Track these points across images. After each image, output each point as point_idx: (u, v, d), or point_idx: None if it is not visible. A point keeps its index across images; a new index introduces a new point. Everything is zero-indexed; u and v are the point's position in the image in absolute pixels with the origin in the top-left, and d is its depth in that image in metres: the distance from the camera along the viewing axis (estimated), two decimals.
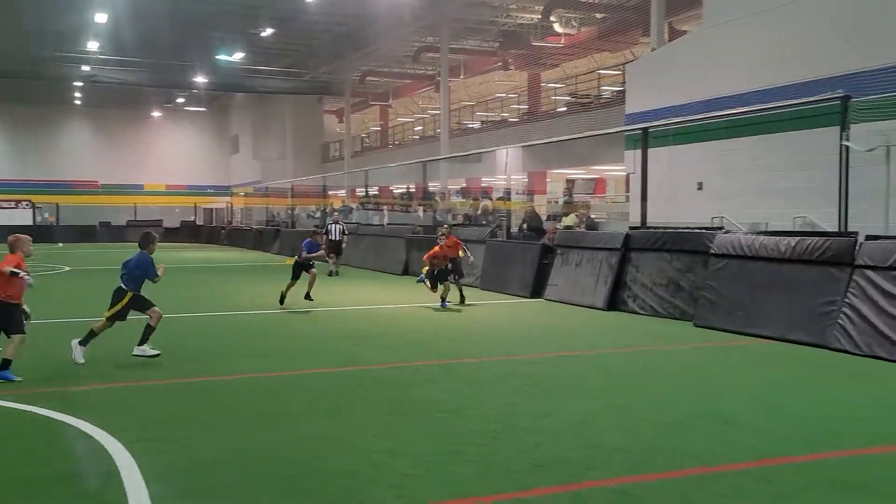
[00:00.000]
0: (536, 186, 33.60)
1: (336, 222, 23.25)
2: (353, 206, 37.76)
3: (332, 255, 21.86)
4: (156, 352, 9.19)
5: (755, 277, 11.50)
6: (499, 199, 24.41)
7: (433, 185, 32.38)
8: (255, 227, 43.97)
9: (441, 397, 7.70)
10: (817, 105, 13.02)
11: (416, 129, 50.63)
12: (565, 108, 34.49)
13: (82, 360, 8.89)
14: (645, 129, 15.69)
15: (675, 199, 18.01)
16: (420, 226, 24.12)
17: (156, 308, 9.18)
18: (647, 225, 14.96)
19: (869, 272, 9.98)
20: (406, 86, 48.47)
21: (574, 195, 28.93)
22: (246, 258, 32.48)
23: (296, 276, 14.83)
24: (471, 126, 41.94)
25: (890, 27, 14.25)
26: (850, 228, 11.29)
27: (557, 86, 38.55)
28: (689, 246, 13.07)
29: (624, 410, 7.17)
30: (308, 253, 14.82)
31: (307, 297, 14.96)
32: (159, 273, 9.16)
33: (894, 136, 11.82)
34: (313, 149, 53.67)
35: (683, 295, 12.98)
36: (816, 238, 10.93)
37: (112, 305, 9.11)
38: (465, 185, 37.81)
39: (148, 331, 9.20)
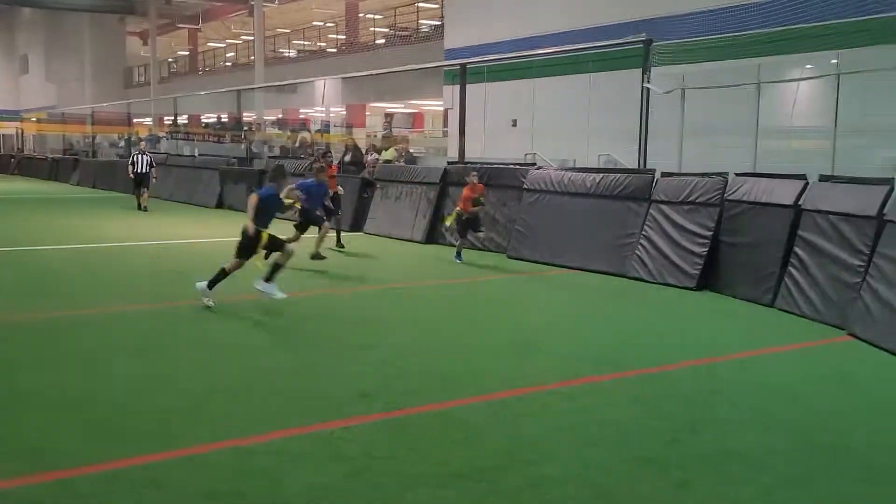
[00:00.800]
0: (355, 119, 33.30)
1: (143, 153, 21.29)
2: (161, 135, 35.77)
3: (140, 188, 20.49)
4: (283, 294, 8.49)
5: (563, 211, 12.15)
6: (317, 131, 24.01)
7: (248, 116, 31.26)
8: (50, 156, 40.60)
9: (258, 334, 7.60)
10: (622, 48, 13.73)
11: (228, 55, 48.35)
12: (384, 41, 34.18)
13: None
14: (463, 65, 15.90)
15: (491, 134, 18.51)
16: (235, 157, 23.29)
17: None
18: (465, 160, 15.29)
19: (663, 206, 10.81)
20: (217, 8, 45.89)
21: (393, 129, 28.93)
22: (41, 189, 30.03)
23: (302, 229, 11.84)
24: (287, 55, 40.64)
25: None
26: (649, 166, 12.13)
27: (376, 16, 38.06)
28: (504, 181, 13.51)
29: (442, 339, 7.43)
30: (307, 198, 11.21)
31: (316, 256, 11.81)
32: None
33: (689, 79, 12.71)
34: (115, 73, 50.01)
35: (499, 228, 13.46)
36: (618, 175, 11.68)
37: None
38: (281, 116, 36.80)
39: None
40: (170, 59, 53.79)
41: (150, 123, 39.46)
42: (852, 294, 7.83)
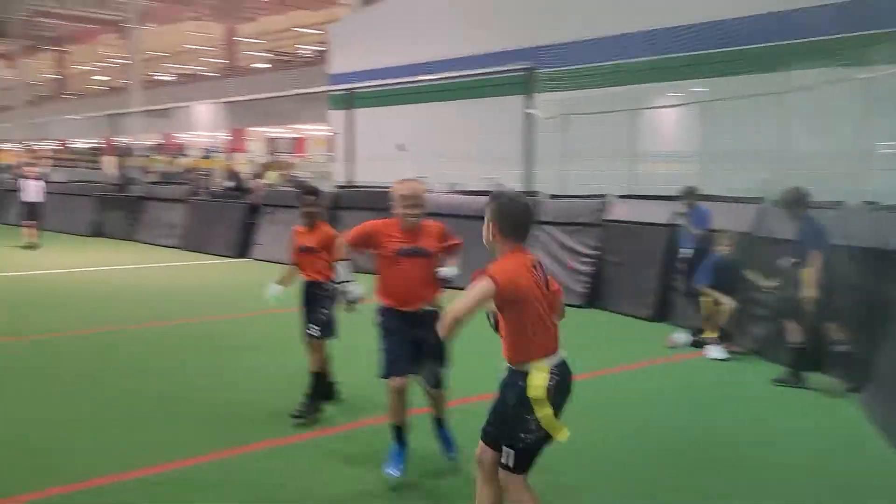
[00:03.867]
0: (236, 144, 32.75)
1: (36, 178, 17.91)
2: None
3: (31, 220, 17.38)
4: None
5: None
6: (199, 158, 23.47)
7: (121, 141, 30.17)
8: None
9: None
10: (507, 74, 14.18)
11: (99, 78, 46.56)
12: (268, 65, 33.88)
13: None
14: (352, 91, 15.99)
15: (380, 159, 18.62)
16: (113, 184, 22.38)
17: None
18: (354, 184, 15.33)
19: (550, 228, 11.20)
20: (85, 31, 44.21)
21: (275, 154, 28.64)
22: None
23: None
24: (162, 78, 39.55)
25: (568, 8, 15.86)
26: (534, 189, 12.53)
27: (255, 41, 37.67)
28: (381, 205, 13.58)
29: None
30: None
31: None
32: None
33: (570, 106, 13.25)
34: None
35: None
36: None
37: None
38: (161, 140, 35.73)
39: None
40: (36, 83, 51.29)
41: (17, 149, 37.38)
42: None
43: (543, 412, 3.19)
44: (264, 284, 5.84)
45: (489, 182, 16.16)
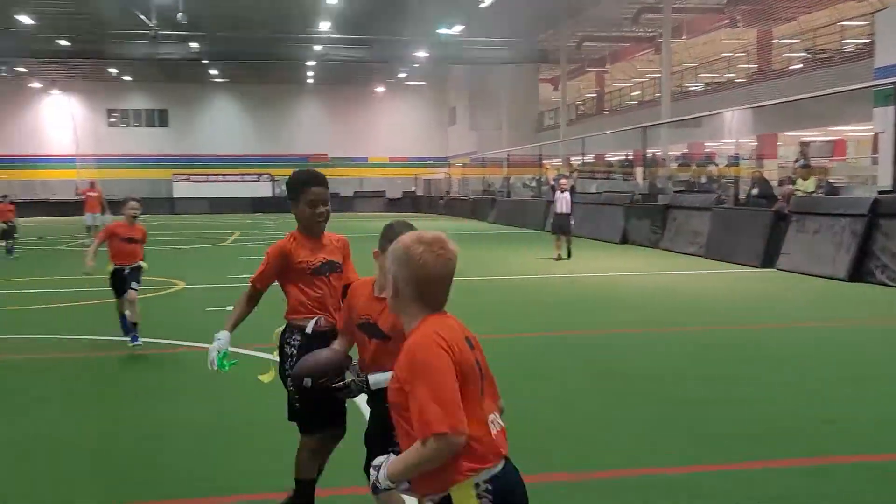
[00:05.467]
0: (766, 150, 31.47)
1: (562, 190, 17.75)
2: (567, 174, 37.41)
3: (561, 234, 17.47)
4: None
5: None
6: (727, 165, 23.10)
7: (651, 151, 31.29)
8: (471, 196, 44.90)
9: (654, 364, 7.42)
10: None
11: (633, 94, 49.12)
12: (801, 66, 31.91)
13: None
14: None
15: None
16: (641, 193, 23.38)
17: None
18: None
19: None
20: (624, 50, 47.06)
21: (807, 158, 26.80)
22: (462, 227, 33.26)
23: None
24: (693, 88, 39.99)
25: None
26: None
27: (792, 41, 35.73)
28: None
29: (859, 383, 6.54)
30: None
31: None
32: None
33: None
34: (528, 118, 53.72)
35: None
36: None
37: None
38: (686, 150, 36.23)
39: None
40: (578, 102, 56.36)
41: (559, 163, 41.52)
42: None
43: None
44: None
45: None
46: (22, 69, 52.04)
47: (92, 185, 24.94)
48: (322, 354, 3.41)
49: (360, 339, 3.39)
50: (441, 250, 2.36)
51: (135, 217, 8.24)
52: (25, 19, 36.08)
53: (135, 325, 8.09)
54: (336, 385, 3.31)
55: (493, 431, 2.31)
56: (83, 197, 24.76)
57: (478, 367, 2.35)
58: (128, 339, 8.09)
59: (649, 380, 6.81)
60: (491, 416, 2.34)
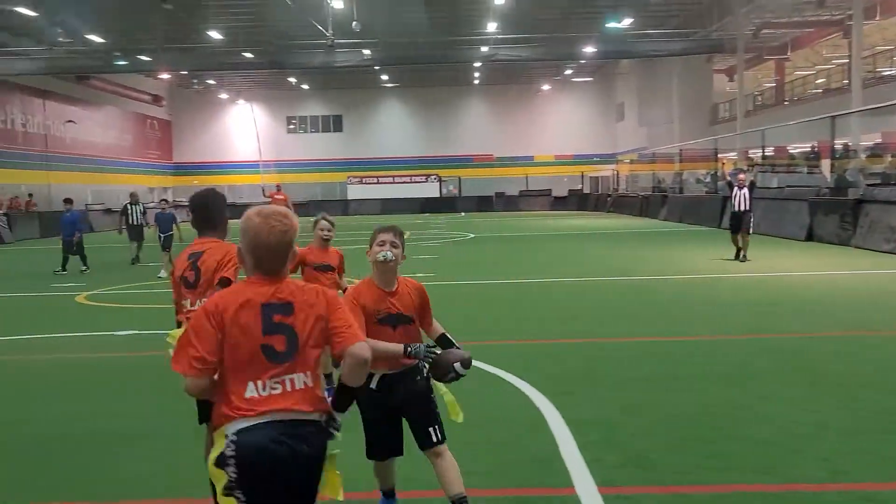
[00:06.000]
0: None
1: (741, 186, 16.86)
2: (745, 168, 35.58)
3: (738, 232, 16.50)
4: None
5: None
6: None
7: (840, 143, 29.17)
8: (640, 193, 43.73)
9: (863, 370, 6.84)
10: None
11: (818, 81, 46.01)
12: None
13: None
14: None
15: None
16: (828, 187, 21.85)
17: None
18: None
19: None
20: (806, 35, 44.18)
21: None
22: (631, 225, 32.42)
23: None
24: (887, 73, 36.94)
25: None
26: None
27: None
28: None
29: None
30: None
31: None
32: None
33: None
34: (701, 111, 51.62)
35: None
36: None
37: None
38: (879, 140, 33.51)
39: None
40: (755, 92, 53.53)
41: (735, 157, 39.61)
42: None
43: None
44: None
45: None
46: (211, 81, 56.11)
47: (279, 188, 26.40)
48: (453, 352, 3.67)
49: (381, 334, 3.62)
50: (276, 222, 2.65)
51: (327, 241, 6.57)
52: (215, 34, 38.87)
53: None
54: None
55: (263, 394, 2.57)
56: (270, 200, 26.28)
57: (267, 331, 2.60)
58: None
59: (867, 387, 6.31)
60: (276, 379, 2.59)
